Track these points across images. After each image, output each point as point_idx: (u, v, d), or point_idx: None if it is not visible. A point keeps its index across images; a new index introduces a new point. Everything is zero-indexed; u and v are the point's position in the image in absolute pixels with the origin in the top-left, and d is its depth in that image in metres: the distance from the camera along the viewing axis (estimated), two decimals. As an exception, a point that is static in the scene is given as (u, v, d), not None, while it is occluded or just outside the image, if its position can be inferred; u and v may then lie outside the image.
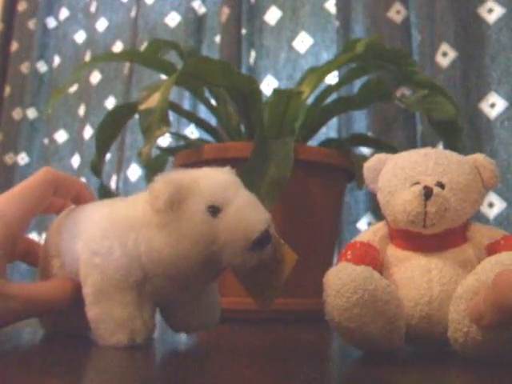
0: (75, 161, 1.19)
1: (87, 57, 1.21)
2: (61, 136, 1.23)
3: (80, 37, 1.27)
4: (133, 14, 1.15)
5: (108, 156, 1.13)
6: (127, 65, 1.11)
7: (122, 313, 0.37)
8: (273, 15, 0.98)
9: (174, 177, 0.36)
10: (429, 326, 0.36)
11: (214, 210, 0.36)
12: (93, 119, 1.14)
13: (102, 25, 1.22)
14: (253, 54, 0.99)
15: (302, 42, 0.95)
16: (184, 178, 0.37)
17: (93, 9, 1.24)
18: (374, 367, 0.33)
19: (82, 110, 1.19)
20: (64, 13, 1.30)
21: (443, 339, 0.35)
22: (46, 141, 1.26)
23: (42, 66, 1.29)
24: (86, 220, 0.40)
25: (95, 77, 1.19)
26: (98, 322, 0.38)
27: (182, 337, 0.45)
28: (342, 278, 0.34)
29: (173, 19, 1.11)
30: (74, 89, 1.24)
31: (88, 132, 1.17)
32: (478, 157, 0.40)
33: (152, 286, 0.38)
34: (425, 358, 0.37)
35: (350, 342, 0.35)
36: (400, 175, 0.40)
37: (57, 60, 1.28)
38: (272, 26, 0.98)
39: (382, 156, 0.43)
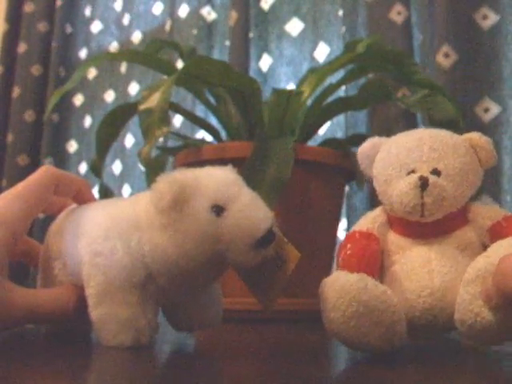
0: (117, 167, 1.20)
1: (123, 68, 1.22)
2: None
3: (114, 48, 1.28)
4: (167, 27, 1.16)
5: None
6: (164, 76, 1.12)
7: (125, 313, 0.37)
8: (294, 26, 0.99)
9: (177, 177, 0.36)
10: (432, 317, 0.36)
11: (218, 209, 0.36)
12: (133, 128, 1.14)
13: (136, 37, 1.23)
14: (268, 59, 0.99)
15: (321, 51, 0.95)
16: (187, 177, 0.36)
17: (125, 21, 1.25)
18: (374, 367, 0.33)
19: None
20: (97, 25, 1.31)
21: (446, 327, 0.35)
22: (71, 146, 1.27)
23: (62, 72, 1.30)
24: (87, 220, 0.40)
25: (133, 87, 1.20)
26: (101, 322, 0.37)
27: (183, 336, 0.45)
28: (336, 290, 0.34)
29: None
30: (111, 98, 1.25)
31: (129, 140, 1.18)
32: (474, 136, 0.40)
33: (155, 286, 0.38)
34: (425, 356, 0.37)
35: (351, 348, 0.35)
36: (395, 163, 0.39)
37: (93, 71, 1.29)
38: (294, 36, 0.99)
39: (375, 140, 0.42)
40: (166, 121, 0.57)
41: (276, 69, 0.99)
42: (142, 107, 0.59)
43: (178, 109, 0.75)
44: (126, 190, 1.16)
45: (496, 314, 0.32)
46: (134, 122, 0.75)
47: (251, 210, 0.36)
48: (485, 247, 0.36)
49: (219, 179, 0.37)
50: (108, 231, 0.38)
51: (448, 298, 0.35)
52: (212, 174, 0.38)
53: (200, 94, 0.72)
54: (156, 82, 0.74)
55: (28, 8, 1.34)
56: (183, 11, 1.15)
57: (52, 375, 0.29)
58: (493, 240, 0.36)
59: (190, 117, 0.78)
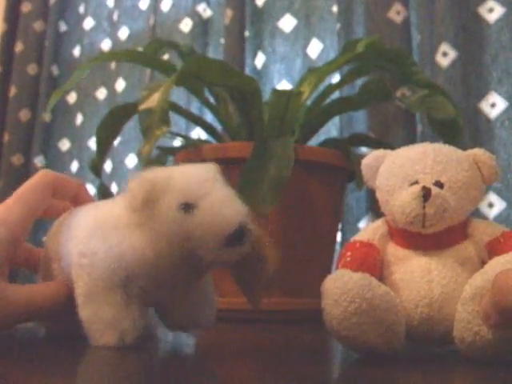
0: (107, 166, 1.20)
1: (112, 65, 1.22)
2: (94, 143, 1.24)
3: (106, 45, 1.27)
4: (151, 21, 1.16)
5: (135, 161, 1.14)
6: (148, 72, 1.12)
7: (109, 313, 0.37)
8: (287, 22, 0.99)
9: (148, 176, 0.36)
10: (430, 327, 0.36)
11: (188, 207, 0.35)
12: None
13: (123, 33, 1.23)
14: (262, 57, 0.99)
15: (314, 47, 0.95)
16: (158, 176, 0.36)
17: (115, 17, 1.25)
18: (374, 367, 0.33)
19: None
20: (89, 22, 1.30)
21: (444, 339, 0.35)
22: (64, 145, 1.27)
23: (55, 70, 1.30)
24: (77, 222, 0.41)
25: (120, 84, 1.20)
26: (88, 322, 0.38)
27: (182, 336, 0.45)
28: (339, 286, 0.33)
29: (186, 25, 1.12)
30: (103, 96, 1.25)
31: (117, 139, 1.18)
32: (478, 152, 0.40)
33: (138, 286, 0.38)
34: (425, 357, 0.37)
35: (349, 348, 0.35)
36: (398, 174, 0.39)
37: None
38: (286, 32, 0.99)
39: (379, 152, 0.42)
40: (166, 121, 0.57)
41: (269, 66, 0.99)
42: (142, 107, 0.59)
43: (176, 108, 0.75)
44: (114, 188, 1.16)
45: (495, 331, 0.32)
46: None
47: (221, 206, 0.35)
48: (484, 263, 0.36)
49: (190, 176, 0.37)
50: (91, 232, 0.38)
51: (446, 309, 0.35)
52: (184, 171, 0.37)
53: (200, 94, 0.72)
54: (155, 82, 0.74)
55: (25, 8, 1.34)
56: (173, 7, 1.14)
57: (47, 374, 0.29)
58: (491, 256, 0.36)
59: (189, 116, 0.78)
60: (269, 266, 0.39)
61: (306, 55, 0.96)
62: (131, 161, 1.15)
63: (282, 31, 0.99)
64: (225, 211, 0.35)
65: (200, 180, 0.37)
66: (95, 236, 0.38)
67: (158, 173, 0.37)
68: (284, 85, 0.97)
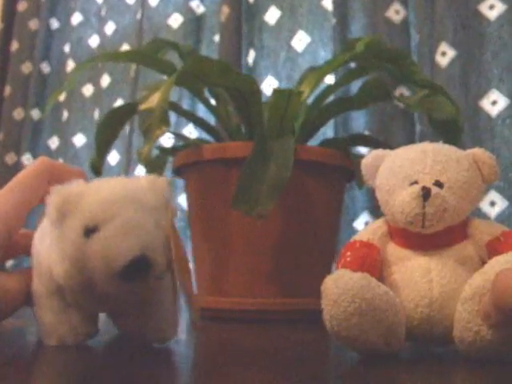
0: None
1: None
2: (79, 140, 1.23)
3: (94, 41, 1.27)
4: (138, 16, 1.16)
5: (117, 158, 1.14)
6: (133, 67, 1.12)
7: (47, 318, 0.37)
8: (272, 15, 0.98)
9: (62, 190, 0.35)
10: (429, 327, 0.36)
11: (89, 231, 0.33)
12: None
13: (110, 28, 1.22)
14: (252, 53, 0.99)
15: (300, 40, 0.95)
16: (71, 192, 0.35)
17: (103, 13, 1.24)
18: (374, 367, 0.33)
19: (97, 114, 1.20)
20: (77, 17, 1.30)
21: (444, 339, 0.35)
22: (53, 142, 1.27)
23: (45, 67, 1.30)
24: None
25: (105, 80, 1.20)
26: (37, 323, 0.38)
27: (181, 336, 0.45)
28: (339, 287, 0.34)
29: (175, 20, 1.12)
30: (89, 93, 1.25)
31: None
32: (477, 151, 0.40)
33: (71, 296, 0.37)
34: (426, 357, 0.37)
35: (349, 348, 0.35)
36: (398, 174, 0.39)
37: (71, 64, 1.28)
38: (272, 25, 0.98)
39: (379, 152, 0.42)
40: (166, 121, 0.57)
41: (259, 62, 0.98)
42: (141, 107, 0.59)
43: (175, 108, 0.75)
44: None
45: (495, 331, 0.32)
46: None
47: (119, 234, 0.33)
48: (483, 262, 0.36)
49: (102, 196, 0.34)
50: (39, 233, 0.39)
51: (446, 309, 0.35)
52: (100, 189, 0.35)
53: (200, 94, 0.72)
54: (156, 81, 0.74)
55: (21, 7, 1.35)
56: (162, 2, 1.14)
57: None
58: (491, 255, 0.36)
59: (188, 116, 0.78)
60: (187, 290, 0.37)
61: (290, 48, 0.95)
62: (114, 158, 1.15)
63: (267, 24, 0.98)
64: (118, 243, 0.32)
65: (110, 201, 0.34)
66: (42, 241, 0.38)
67: (72, 188, 0.35)
68: (270, 80, 0.96)
